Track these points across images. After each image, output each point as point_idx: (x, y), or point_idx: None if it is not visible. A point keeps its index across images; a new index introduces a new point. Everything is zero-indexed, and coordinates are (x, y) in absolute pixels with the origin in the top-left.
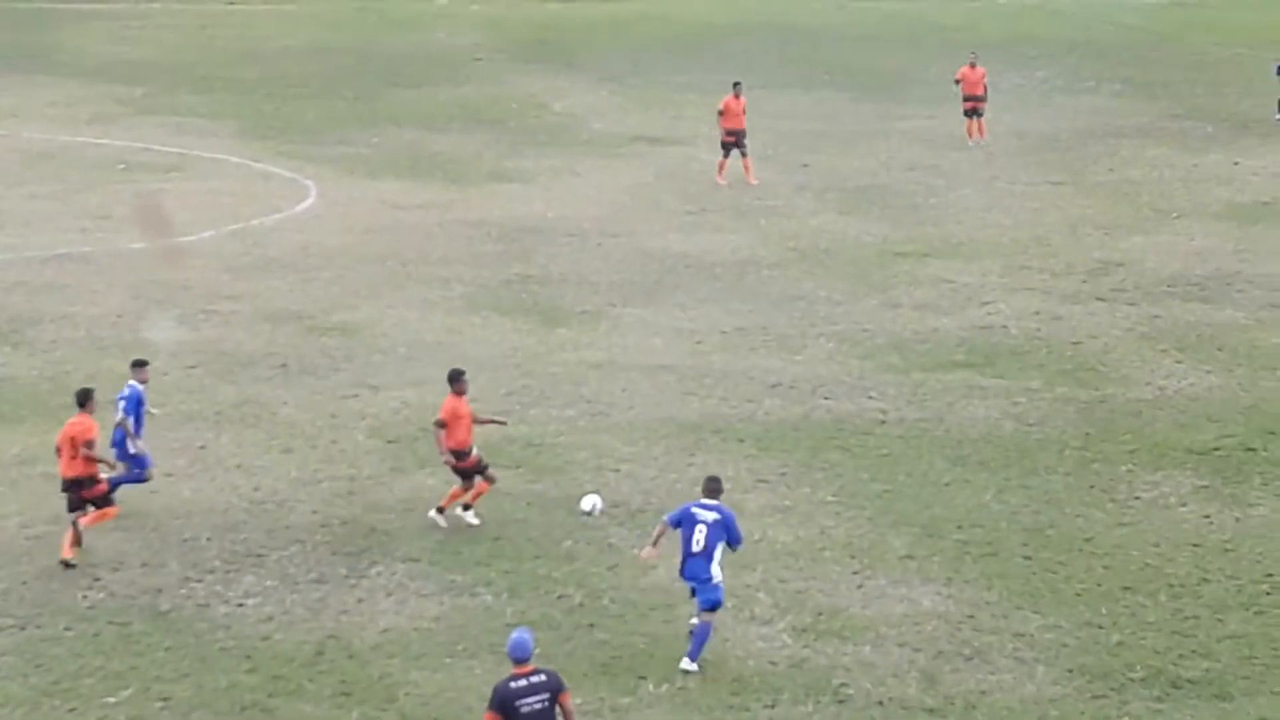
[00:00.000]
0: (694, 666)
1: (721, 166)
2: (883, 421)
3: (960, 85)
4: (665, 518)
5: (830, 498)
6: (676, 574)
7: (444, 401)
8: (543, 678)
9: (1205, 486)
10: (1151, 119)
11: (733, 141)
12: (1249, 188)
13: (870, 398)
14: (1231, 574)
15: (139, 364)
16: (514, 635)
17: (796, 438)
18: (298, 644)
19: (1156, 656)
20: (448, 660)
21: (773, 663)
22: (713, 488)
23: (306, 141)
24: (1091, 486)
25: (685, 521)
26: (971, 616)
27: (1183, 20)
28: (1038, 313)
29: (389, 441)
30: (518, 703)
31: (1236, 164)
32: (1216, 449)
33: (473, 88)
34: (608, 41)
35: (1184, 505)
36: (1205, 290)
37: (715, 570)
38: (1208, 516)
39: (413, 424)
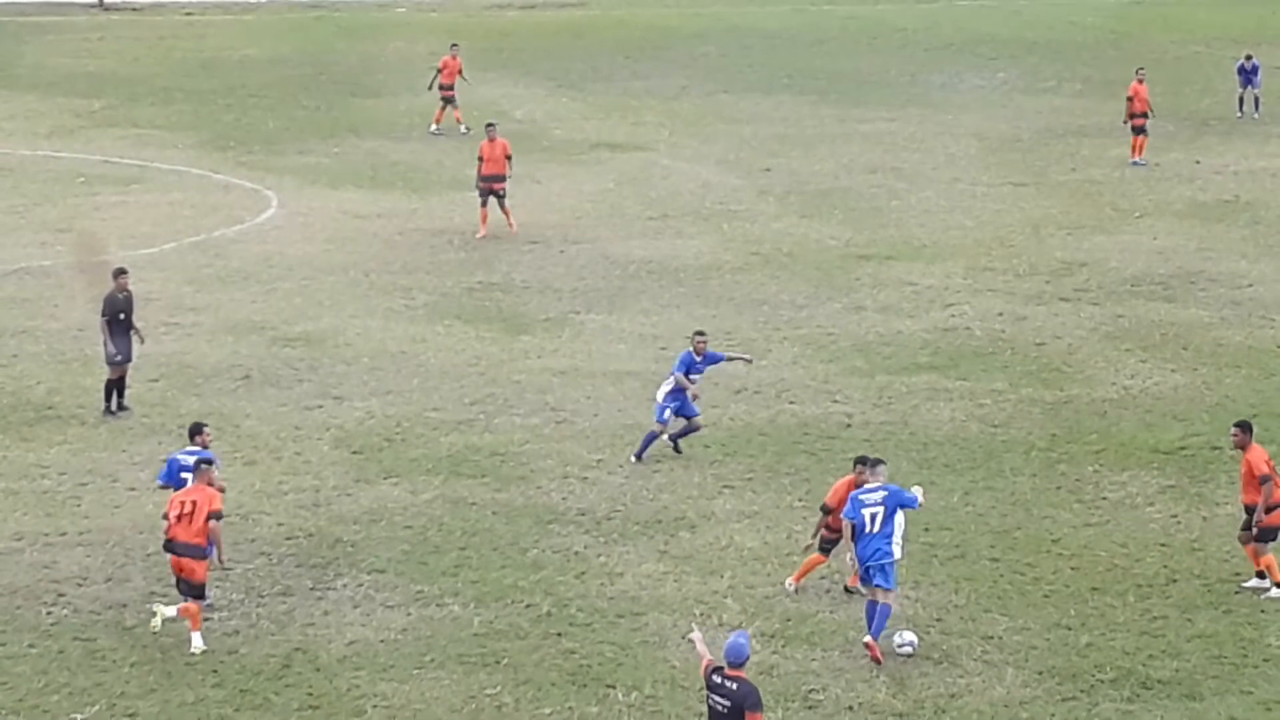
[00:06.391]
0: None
1: (483, 217)
2: (848, 425)
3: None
4: (844, 515)
5: (797, 502)
6: (641, 583)
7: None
8: (735, 686)
9: (1172, 486)
10: (1112, 118)
11: (487, 189)
12: (1211, 186)
13: (835, 401)
14: (1199, 573)
15: None
16: (732, 637)
17: (762, 442)
18: (264, 657)
19: (1126, 657)
20: (415, 671)
21: None
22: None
23: (266, 152)
24: (1058, 487)
25: (854, 508)
26: (939, 620)
27: (1142, 19)
28: (1001, 314)
29: (353, 452)
30: (710, 695)
31: (1198, 163)
32: (1182, 448)
33: (432, 97)
34: (566, 48)
35: (1151, 505)
36: (1169, 289)
37: (896, 549)
38: (1175, 516)
39: (376, 435)
